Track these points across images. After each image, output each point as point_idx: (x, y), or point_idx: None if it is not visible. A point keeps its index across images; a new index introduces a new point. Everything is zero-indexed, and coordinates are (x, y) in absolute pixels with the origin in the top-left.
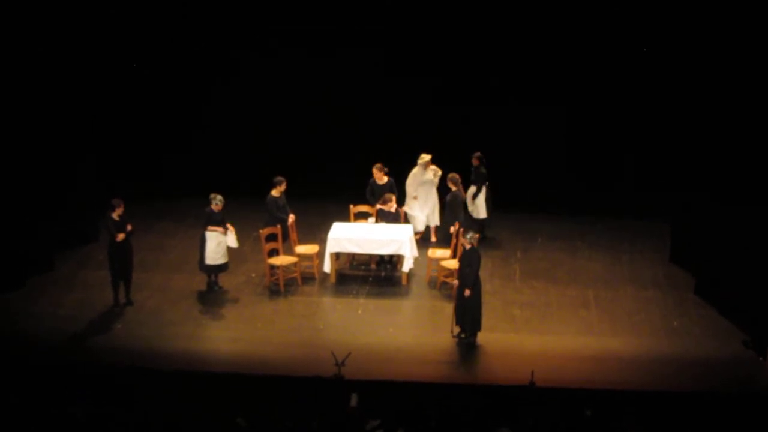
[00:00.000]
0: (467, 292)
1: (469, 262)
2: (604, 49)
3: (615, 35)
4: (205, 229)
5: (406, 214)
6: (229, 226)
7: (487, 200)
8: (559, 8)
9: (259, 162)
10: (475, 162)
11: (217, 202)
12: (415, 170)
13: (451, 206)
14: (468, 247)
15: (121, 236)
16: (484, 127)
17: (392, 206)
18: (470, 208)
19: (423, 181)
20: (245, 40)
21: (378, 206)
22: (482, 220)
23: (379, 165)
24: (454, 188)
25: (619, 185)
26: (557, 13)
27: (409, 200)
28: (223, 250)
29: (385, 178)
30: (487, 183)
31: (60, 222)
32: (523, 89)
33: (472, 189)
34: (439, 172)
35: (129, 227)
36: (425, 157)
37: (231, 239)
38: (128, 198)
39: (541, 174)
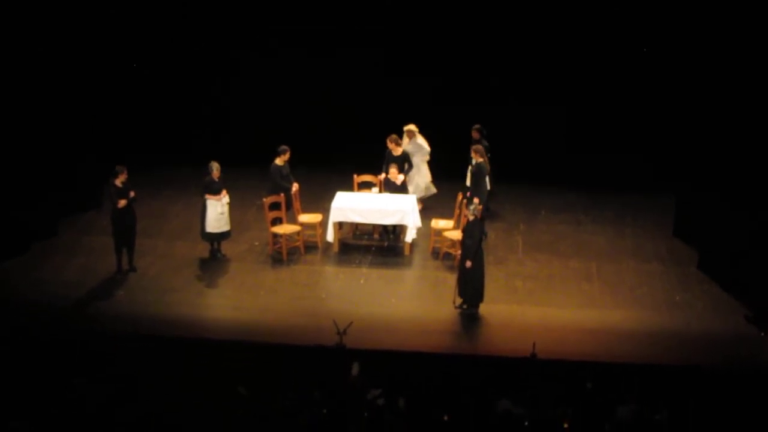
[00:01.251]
0: (468, 264)
1: (471, 234)
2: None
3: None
4: (205, 198)
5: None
6: (224, 192)
7: (490, 173)
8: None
9: (263, 132)
10: (475, 135)
11: (215, 169)
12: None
13: (475, 177)
14: (471, 218)
15: (122, 203)
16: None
17: (398, 177)
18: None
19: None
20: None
21: (384, 176)
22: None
23: (393, 136)
24: (480, 160)
25: (623, 160)
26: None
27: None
28: (224, 218)
29: (400, 149)
30: (488, 155)
31: (64, 188)
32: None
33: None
34: (425, 148)
35: (131, 194)
36: (406, 127)
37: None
38: (132, 166)
39: (545, 148)
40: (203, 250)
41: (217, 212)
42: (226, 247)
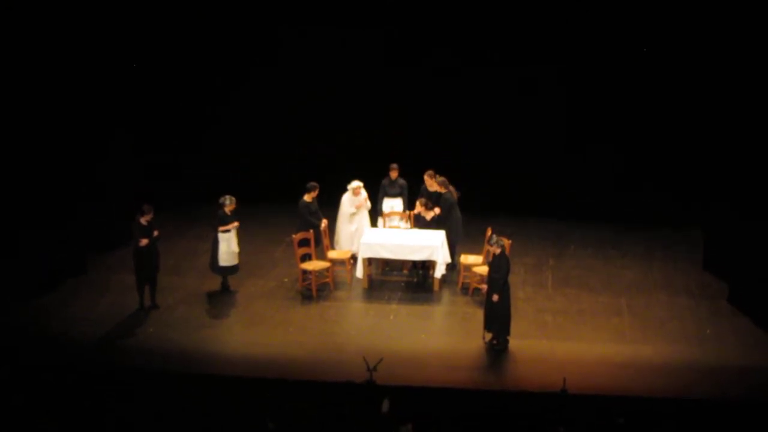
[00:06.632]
0: (495, 297)
1: (498, 268)
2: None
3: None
4: (217, 231)
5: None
6: (236, 223)
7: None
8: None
9: (290, 167)
10: (393, 174)
11: (228, 202)
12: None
13: None
14: (497, 252)
15: (144, 242)
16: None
17: (430, 213)
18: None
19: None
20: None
21: (416, 211)
22: None
23: (430, 172)
24: None
25: (651, 193)
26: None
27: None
28: (234, 252)
29: (436, 186)
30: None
31: (93, 225)
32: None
33: (393, 201)
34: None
35: (155, 233)
36: (351, 185)
37: (234, 242)
38: (161, 203)
39: (574, 184)
40: (233, 286)
41: (228, 246)
42: (255, 284)
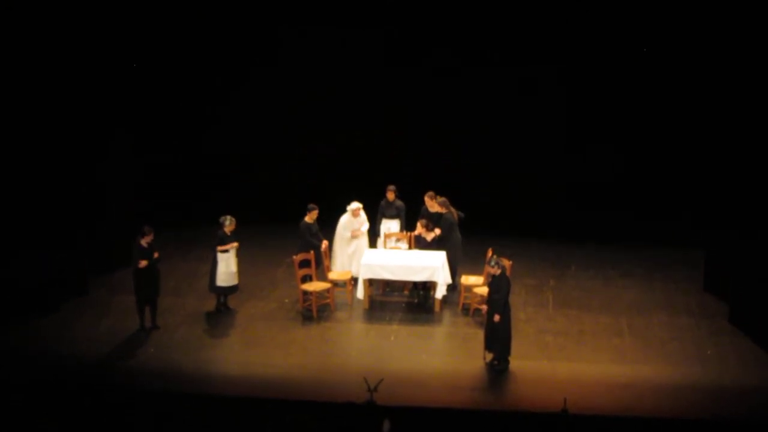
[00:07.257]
0: (497, 318)
1: (498, 288)
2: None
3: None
4: (216, 251)
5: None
6: (235, 244)
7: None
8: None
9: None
10: (390, 196)
11: (228, 222)
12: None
13: None
14: (497, 273)
15: (143, 263)
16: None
17: (430, 234)
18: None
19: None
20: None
21: (416, 233)
22: None
23: (431, 193)
24: None
25: (653, 214)
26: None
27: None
28: (232, 272)
29: (437, 206)
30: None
31: (94, 245)
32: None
33: (390, 223)
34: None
35: (155, 255)
36: (351, 207)
37: (233, 262)
38: (163, 226)
39: (574, 204)
40: (233, 306)
41: (226, 266)
42: (256, 306)
